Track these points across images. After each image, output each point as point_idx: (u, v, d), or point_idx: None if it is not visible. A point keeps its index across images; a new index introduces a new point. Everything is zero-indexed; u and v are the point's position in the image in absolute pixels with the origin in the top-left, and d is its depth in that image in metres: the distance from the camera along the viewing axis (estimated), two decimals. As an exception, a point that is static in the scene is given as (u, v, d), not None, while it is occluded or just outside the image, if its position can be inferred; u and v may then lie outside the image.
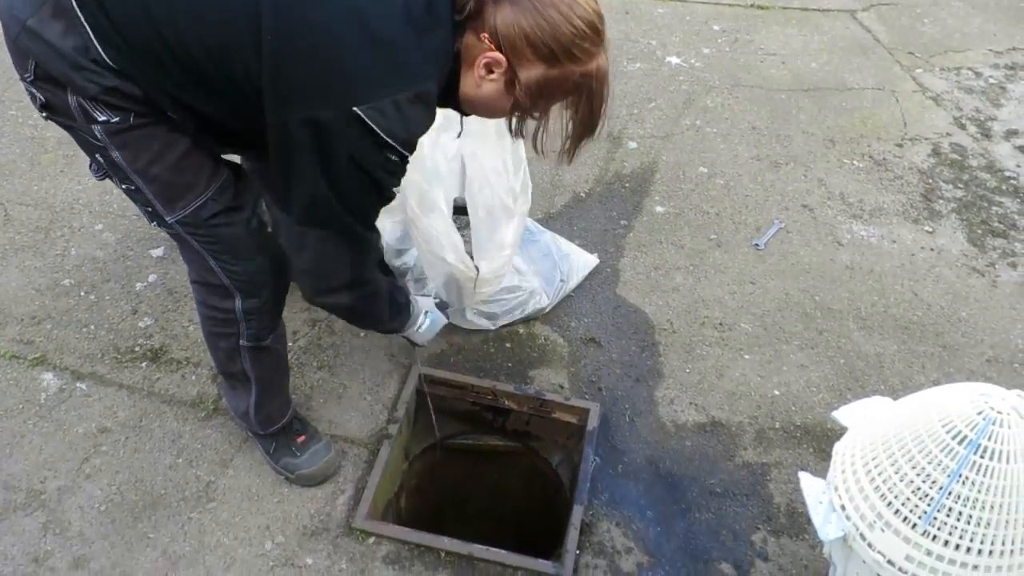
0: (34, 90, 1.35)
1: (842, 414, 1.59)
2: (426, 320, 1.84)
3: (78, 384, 2.10)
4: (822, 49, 3.60)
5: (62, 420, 2.02)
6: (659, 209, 2.73)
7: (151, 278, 2.38)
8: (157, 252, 2.46)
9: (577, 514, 1.87)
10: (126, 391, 2.09)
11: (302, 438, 1.90)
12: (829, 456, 1.99)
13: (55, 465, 1.93)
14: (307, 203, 1.35)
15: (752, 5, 3.88)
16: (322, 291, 1.52)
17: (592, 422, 2.07)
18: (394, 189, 1.40)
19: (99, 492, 1.88)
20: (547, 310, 2.31)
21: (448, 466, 2.28)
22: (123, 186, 1.45)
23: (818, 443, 2.06)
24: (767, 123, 3.14)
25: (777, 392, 2.18)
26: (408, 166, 1.37)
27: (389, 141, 1.27)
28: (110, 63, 1.26)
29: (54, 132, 2.86)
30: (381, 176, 1.34)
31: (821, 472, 1.95)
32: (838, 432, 2.02)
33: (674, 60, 3.46)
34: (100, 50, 1.25)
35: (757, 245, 2.60)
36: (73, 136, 1.42)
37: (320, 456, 1.90)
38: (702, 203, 2.76)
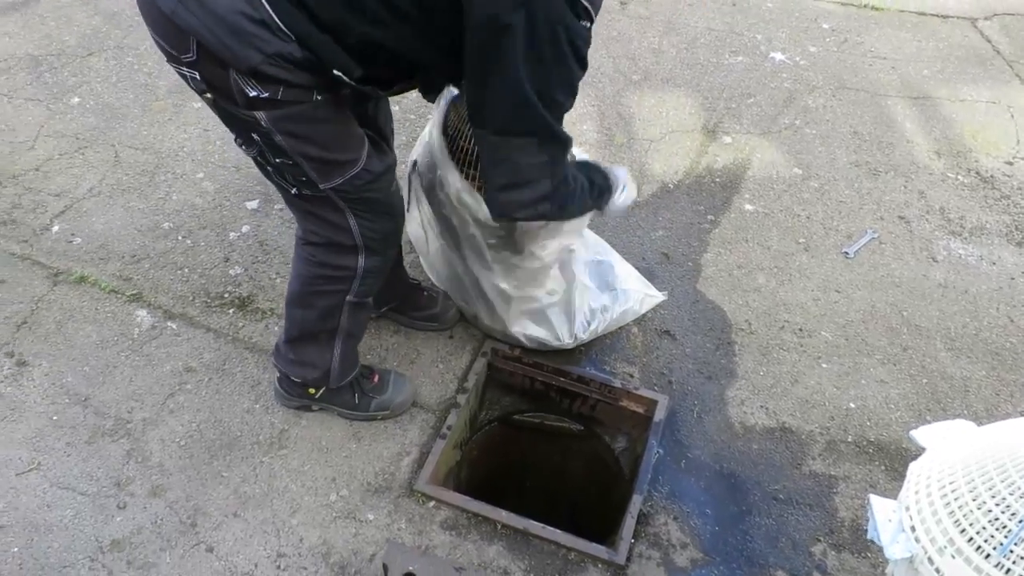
0: (195, 71, 1.38)
1: (921, 434, 1.54)
2: (623, 192, 1.78)
3: (169, 323, 2.20)
4: (936, 56, 3.45)
5: (152, 356, 2.12)
6: (748, 207, 2.68)
7: (244, 229, 2.47)
8: (252, 204, 2.55)
9: (636, 503, 1.87)
10: (212, 334, 2.18)
11: (376, 377, 2.00)
12: (900, 476, 1.95)
13: (142, 397, 2.03)
14: (507, 109, 1.38)
15: (866, 5, 3.74)
16: (523, 204, 1.54)
17: (659, 414, 2.06)
18: (583, 68, 1.41)
19: (180, 427, 1.97)
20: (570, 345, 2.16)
21: (511, 441, 2.31)
22: (277, 160, 1.51)
23: (891, 462, 2.00)
24: (870, 128, 3.03)
25: (853, 405, 2.13)
26: None
27: (585, 4, 1.31)
28: (280, 24, 1.29)
29: (166, 80, 2.99)
30: (580, 45, 1.35)
31: (890, 491, 1.91)
32: (913, 452, 1.97)
33: (778, 56, 3.37)
34: (270, 10, 1.28)
35: (847, 253, 2.53)
36: (230, 123, 1.49)
37: (401, 383, 2.01)
38: (793, 205, 2.69)
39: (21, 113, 2.83)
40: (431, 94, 1.72)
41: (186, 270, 2.34)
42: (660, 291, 2.27)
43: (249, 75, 1.33)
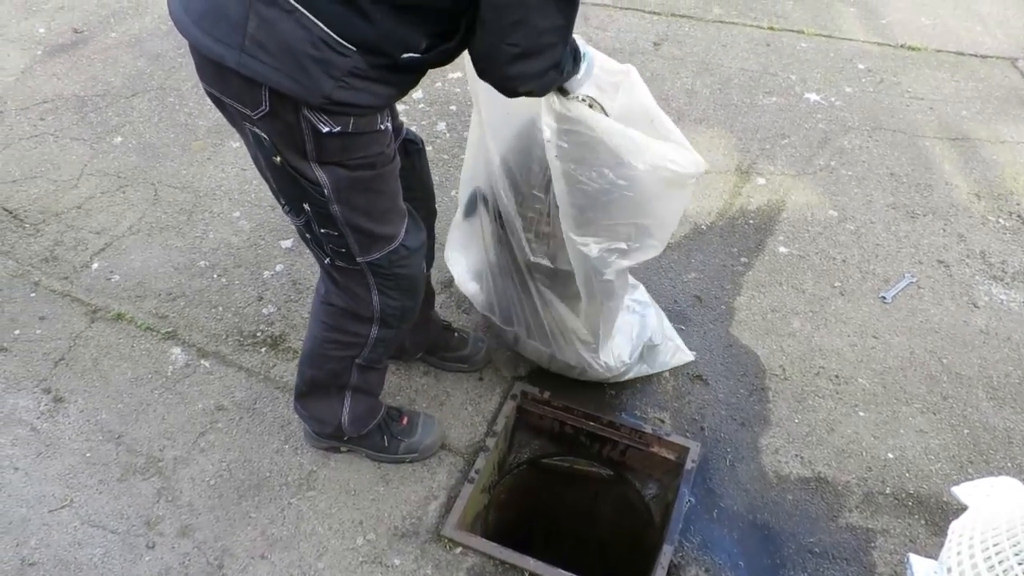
0: (267, 129, 1.37)
1: (963, 491, 1.49)
2: (583, 64, 1.60)
3: (202, 361, 2.22)
4: (975, 97, 3.41)
5: (185, 394, 2.14)
6: (782, 250, 2.65)
7: (278, 268, 2.50)
8: (287, 243, 2.58)
9: (666, 554, 1.83)
10: (244, 373, 2.19)
11: (405, 419, 1.99)
12: (941, 531, 1.89)
13: (174, 436, 2.05)
14: None
15: (902, 45, 3.72)
16: (533, 75, 1.41)
17: (691, 461, 2.03)
18: None
19: (211, 467, 1.98)
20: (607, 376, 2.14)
21: (540, 485, 2.28)
22: (322, 231, 1.52)
23: (931, 516, 1.94)
24: (907, 170, 3.00)
25: (891, 455, 2.07)
26: None
27: None
28: (338, 39, 1.26)
29: (206, 120, 3.05)
30: None
31: (930, 547, 1.86)
32: (955, 507, 1.91)
33: (813, 97, 3.35)
34: (324, 27, 1.25)
35: (884, 298, 2.49)
36: (285, 189, 1.48)
37: (431, 425, 2.01)
38: (829, 248, 2.66)
39: (66, 152, 2.91)
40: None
41: (220, 308, 2.37)
42: (691, 335, 2.23)
43: (320, 110, 1.32)
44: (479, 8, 1.30)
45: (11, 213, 2.66)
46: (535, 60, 1.38)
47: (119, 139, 2.98)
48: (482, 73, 1.41)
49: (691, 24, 3.79)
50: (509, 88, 1.45)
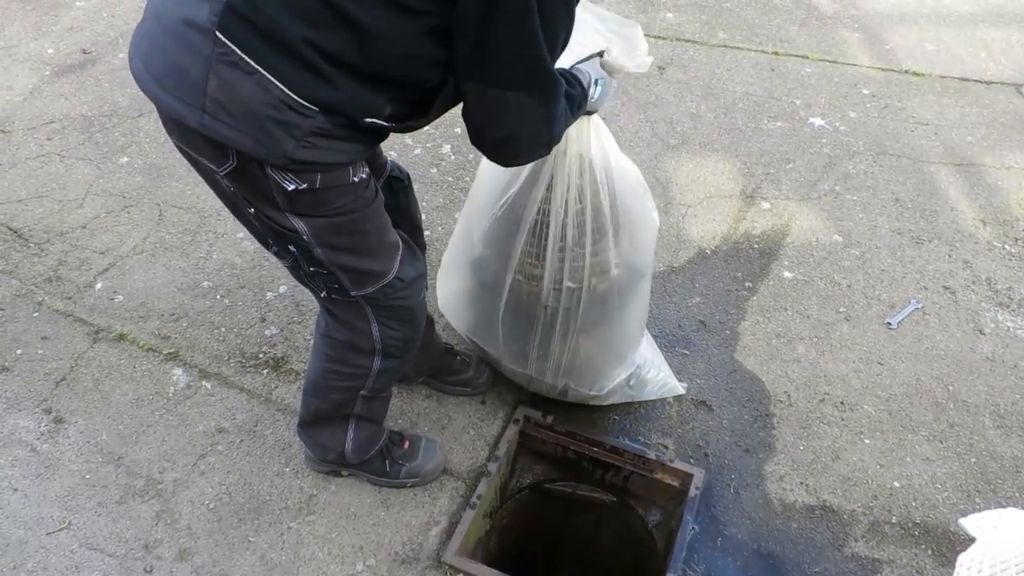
0: (237, 183, 1.36)
1: (971, 523, 1.48)
2: (596, 89, 1.61)
3: (204, 383, 2.21)
4: (980, 123, 3.41)
5: (185, 415, 2.13)
6: (787, 275, 2.64)
7: (281, 289, 2.50)
8: (290, 265, 2.57)
9: (669, 583, 1.81)
10: (246, 395, 2.18)
11: (407, 443, 1.98)
12: (948, 562, 1.87)
13: (174, 458, 2.03)
14: (511, 54, 1.26)
15: (907, 71, 3.73)
16: (521, 155, 1.46)
17: (695, 488, 2.01)
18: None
19: (210, 490, 1.96)
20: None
21: (542, 510, 2.26)
22: (311, 269, 1.52)
23: (938, 546, 1.92)
24: (912, 195, 2.99)
25: (897, 484, 2.05)
26: None
27: None
28: (299, 100, 1.24)
29: (211, 141, 3.06)
30: None
31: (939, 579, 1.83)
32: (962, 538, 1.89)
33: (817, 122, 3.35)
34: (284, 89, 1.23)
35: (890, 324, 2.47)
36: (269, 234, 1.47)
37: (432, 449, 1.99)
38: (834, 273, 2.65)
39: (72, 172, 2.92)
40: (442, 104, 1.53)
41: (223, 329, 2.37)
42: (696, 360, 2.22)
43: (284, 169, 1.31)
44: (462, 94, 1.33)
45: (16, 232, 2.66)
46: (520, 144, 1.40)
47: (125, 159, 2.99)
48: (473, 143, 1.43)
49: (696, 49, 3.80)
50: (499, 163, 1.51)
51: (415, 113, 1.41)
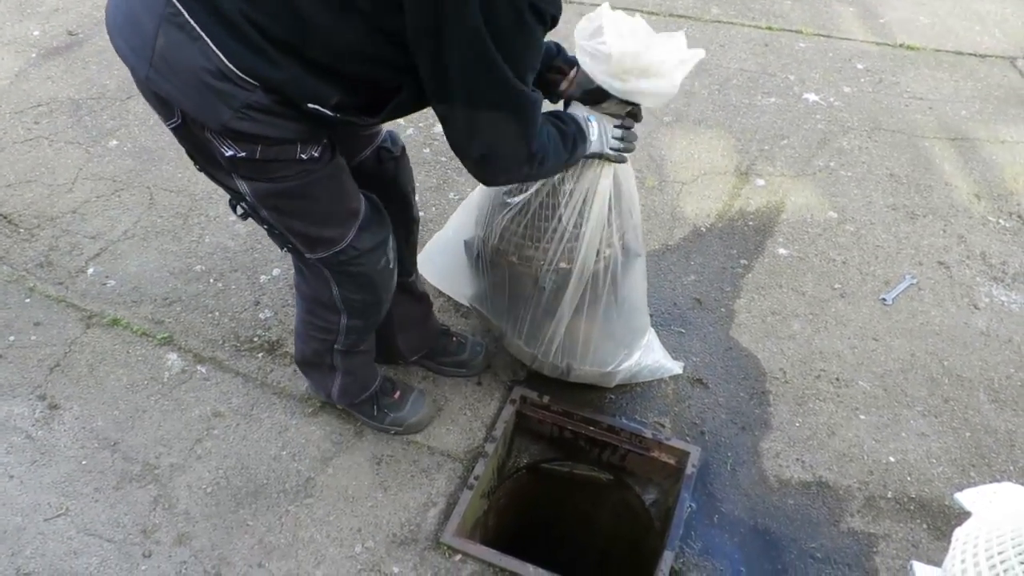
0: (184, 137, 1.40)
1: (966, 497, 1.48)
2: (594, 129, 1.62)
3: (199, 367, 2.20)
4: (975, 96, 3.39)
5: (181, 400, 2.12)
6: (782, 251, 2.63)
7: (275, 272, 2.48)
8: (283, 247, 2.56)
9: (667, 560, 1.82)
10: (241, 379, 2.18)
11: (397, 393, 2.03)
12: (944, 536, 1.88)
13: (170, 443, 2.03)
14: (472, 77, 1.26)
15: (901, 45, 3.70)
16: (503, 171, 1.46)
17: (691, 466, 2.01)
18: (550, 13, 1.28)
19: (207, 474, 1.96)
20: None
21: (539, 490, 2.27)
22: (264, 227, 1.54)
23: (933, 520, 1.93)
24: (907, 171, 2.98)
25: (892, 459, 2.06)
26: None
27: None
28: (238, 72, 1.25)
29: (201, 124, 3.03)
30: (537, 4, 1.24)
31: (932, 552, 1.84)
32: (957, 512, 1.90)
33: (812, 97, 3.33)
34: (224, 59, 1.24)
35: (885, 300, 2.47)
36: (230, 196, 1.51)
37: (420, 404, 2.05)
38: (829, 249, 2.64)
39: (61, 156, 2.88)
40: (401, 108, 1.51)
41: (217, 313, 2.35)
42: (691, 337, 2.22)
43: (223, 134, 1.31)
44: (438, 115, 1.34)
45: (5, 218, 2.64)
46: (499, 161, 1.40)
47: (114, 142, 2.96)
48: (459, 158, 1.43)
49: (689, 24, 3.77)
50: (485, 182, 1.52)
51: (364, 111, 1.41)
